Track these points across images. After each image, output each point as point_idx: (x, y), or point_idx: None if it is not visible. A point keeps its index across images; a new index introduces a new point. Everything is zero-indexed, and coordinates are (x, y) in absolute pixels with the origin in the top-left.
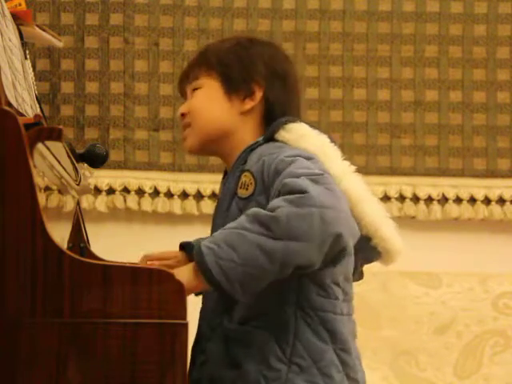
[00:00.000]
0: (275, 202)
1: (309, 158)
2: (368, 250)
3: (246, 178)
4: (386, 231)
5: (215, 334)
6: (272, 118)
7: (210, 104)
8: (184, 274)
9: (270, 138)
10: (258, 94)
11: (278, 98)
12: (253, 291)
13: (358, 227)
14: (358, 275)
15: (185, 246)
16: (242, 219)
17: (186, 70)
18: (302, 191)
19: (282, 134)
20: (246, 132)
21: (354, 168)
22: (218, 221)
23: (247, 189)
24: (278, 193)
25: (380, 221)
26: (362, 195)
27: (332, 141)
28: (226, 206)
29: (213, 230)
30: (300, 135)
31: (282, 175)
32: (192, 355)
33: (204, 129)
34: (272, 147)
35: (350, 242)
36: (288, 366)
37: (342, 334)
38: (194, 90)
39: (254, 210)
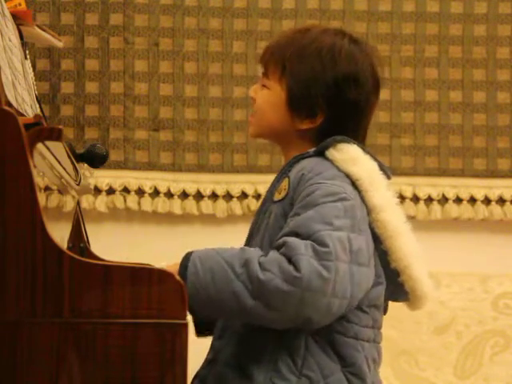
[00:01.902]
0: (271, 260)
1: (342, 199)
2: (395, 285)
3: (284, 183)
4: (415, 270)
5: (227, 335)
6: (329, 137)
7: (272, 110)
8: (172, 269)
9: (319, 153)
10: (319, 118)
11: (340, 125)
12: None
13: (389, 260)
14: (383, 309)
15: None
16: (237, 256)
17: (266, 54)
18: (297, 267)
19: (332, 153)
20: (300, 144)
21: (397, 200)
22: (255, 219)
23: (280, 193)
24: (282, 237)
25: (411, 259)
26: (398, 229)
27: (382, 168)
28: (261, 209)
29: (250, 227)
30: (350, 157)
31: (301, 211)
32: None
33: (262, 128)
34: (318, 164)
35: (322, 323)
36: (298, 378)
37: (352, 358)
38: (264, 85)
39: (251, 253)
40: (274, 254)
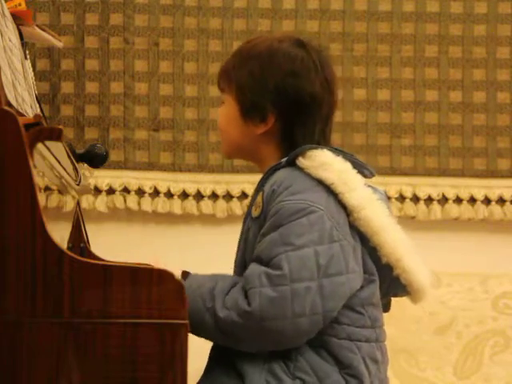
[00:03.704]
0: (232, 297)
1: (308, 213)
2: (391, 280)
3: (259, 197)
4: (408, 262)
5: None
6: (290, 139)
7: (229, 124)
8: None
9: (291, 162)
10: (270, 120)
11: (292, 121)
12: None
13: (380, 255)
14: (384, 307)
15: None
16: (207, 290)
17: (218, 74)
18: (249, 302)
19: (302, 161)
20: (268, 150)
21: (376, 196)
22: (241, 234)
23: (256, 209)
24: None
25: (402, 251)
26: (383, 224)
27: (357, 165)
28: (245, 219)
29: (239, 240)
30: (320, 163)
31: (267, 232)
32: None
33: (229, 146)
34: (289, 175)
35: (298, 342)
36: (292, 380)
37: (348, 359)
38: (222, 102)
39: (221, 287)
40: (235, 289)
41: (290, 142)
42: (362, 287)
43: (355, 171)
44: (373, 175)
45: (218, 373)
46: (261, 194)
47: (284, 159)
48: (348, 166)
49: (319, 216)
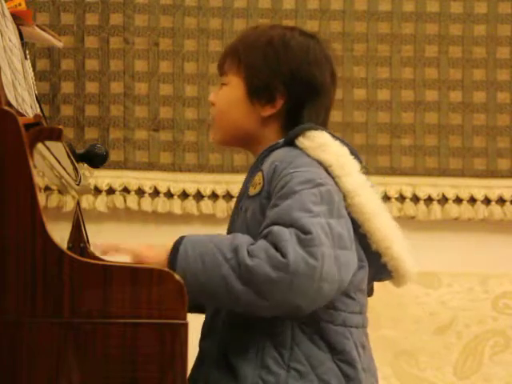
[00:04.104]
0: (259, 247)
1: (318, 185)
2: (378, 266)
3: (257, 177)
4: (396, 250)
5: (212, 335)
6: (294, 124)
7: (232, 105)
8: (157, 251)
9: (289, 142)
10: (279, 102)
11: (301, 106)
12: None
13: (369, 242)
14: (369, 291)
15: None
16: (227, 242)
17: (221, 57)
18: (283, 254)
19: (302, 141)
20: (268, 135)
21: (370, 182)
22: (231, 218)
23: (255, 188)
24: (266, 229)
25: (392, 239)
26: (375, 211)
27: (353, 153)
28: (238, 204)
29: (229, 223)
30: (319, 144)
31: (279, 202)
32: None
33: (225, 128)
34: (288, 153)
35: (311, 309)
36: (287, 371)
37: (341, 345)
38: (223, 84)
39: (241, 240)
40: (261, 242)
41: (295, 125)
42: (354, 272)
43: (352, 157)
44: (361, 162)
45: (208, 367)
46: (260, 173)
47: (281, 140)
48: (345, 150)
49: (328, 190)
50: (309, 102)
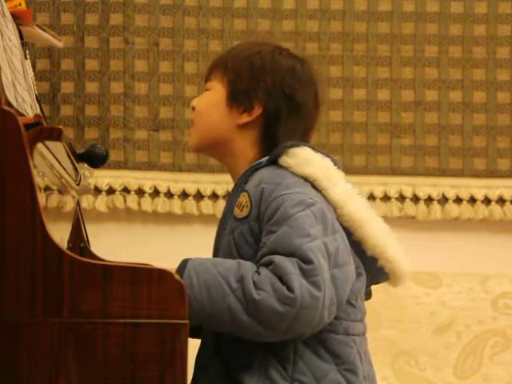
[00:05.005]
0: (264, 279)
1: (309, 206)
2: (375, 271)
3: (243, 198)
4: (391, 253)
5: (216, 349)
6: (270, 136)
7: (210, 109)
8: None
9: (272, 161)
10: (257, 111)
11: (277, 120)
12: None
13: (363, 248)
14: (367, 295)
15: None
16: (232, 270)
17: (210, 65)
18: (289, 288)
19: (285, 159)
20: (242, 146)
21: (357, 190)
22: (217, 236)
23: (242, 210)
24: (268, 258)
25: (385, 242)
26: (365, 217)
27: (335, 163)
28: (223, 223)
29: (215, 241)
30: (303, 160)
31: (275, 228)
32: (195, 369)
33: (201, 132)
34: (274, 173)
35: (314, 332)
36: (291, 383)
37: (345, 354)
38: (207, 89)
39: (247, 269)
40: (265, 272)
41: (270, 139)
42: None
43: (336, 167)
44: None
45: (211, 381)
46: (245, 194)
47: (264, 159)
48: (328, 161)
49: (319, 209)
50: (286, 117)
